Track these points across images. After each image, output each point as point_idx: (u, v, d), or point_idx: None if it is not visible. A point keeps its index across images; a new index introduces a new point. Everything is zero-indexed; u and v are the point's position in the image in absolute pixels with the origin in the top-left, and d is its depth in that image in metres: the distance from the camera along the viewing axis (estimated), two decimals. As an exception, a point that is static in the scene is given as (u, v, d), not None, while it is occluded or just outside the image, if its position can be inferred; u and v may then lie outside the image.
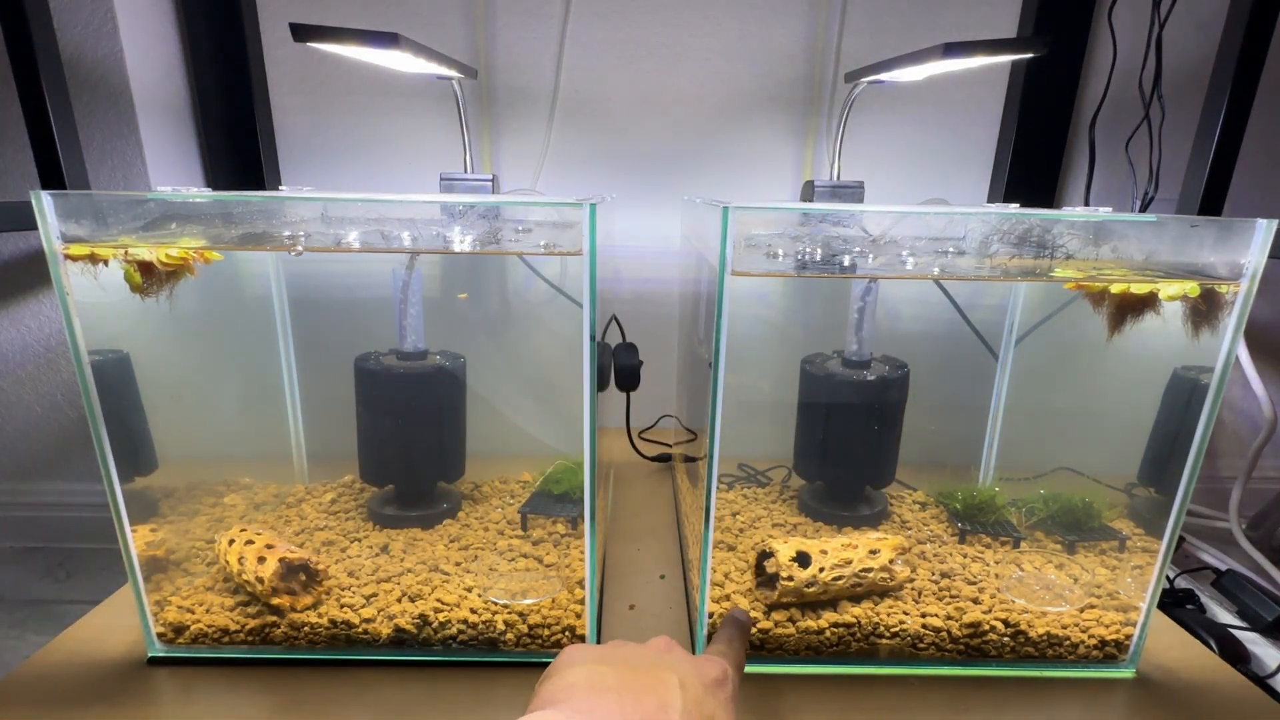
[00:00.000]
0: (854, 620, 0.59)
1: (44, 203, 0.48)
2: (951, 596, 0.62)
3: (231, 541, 0.62)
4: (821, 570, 0.59)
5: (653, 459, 1.02)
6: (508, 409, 0.78)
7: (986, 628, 0.59)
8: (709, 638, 0.58)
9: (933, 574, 0.65)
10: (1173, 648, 0.63)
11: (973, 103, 1.03)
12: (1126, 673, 0.59)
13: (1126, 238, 0.53)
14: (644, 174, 1.06)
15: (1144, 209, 0.99)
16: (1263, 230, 0.48)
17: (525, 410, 0.78)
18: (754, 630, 0.58)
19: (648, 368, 0.70)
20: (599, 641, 0.60)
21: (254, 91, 0.98)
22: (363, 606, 0.60)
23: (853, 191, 0.81)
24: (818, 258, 0.54)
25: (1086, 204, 1.04)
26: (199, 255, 0.55)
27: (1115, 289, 0.56)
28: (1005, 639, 0.59)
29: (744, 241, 0.49)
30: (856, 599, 0.61)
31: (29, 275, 0.99)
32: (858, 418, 0.72)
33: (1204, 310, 0.53)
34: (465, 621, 0.58)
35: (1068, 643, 0.59)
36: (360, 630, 0.58)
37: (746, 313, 0.51)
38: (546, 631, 0.59)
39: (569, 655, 0.38)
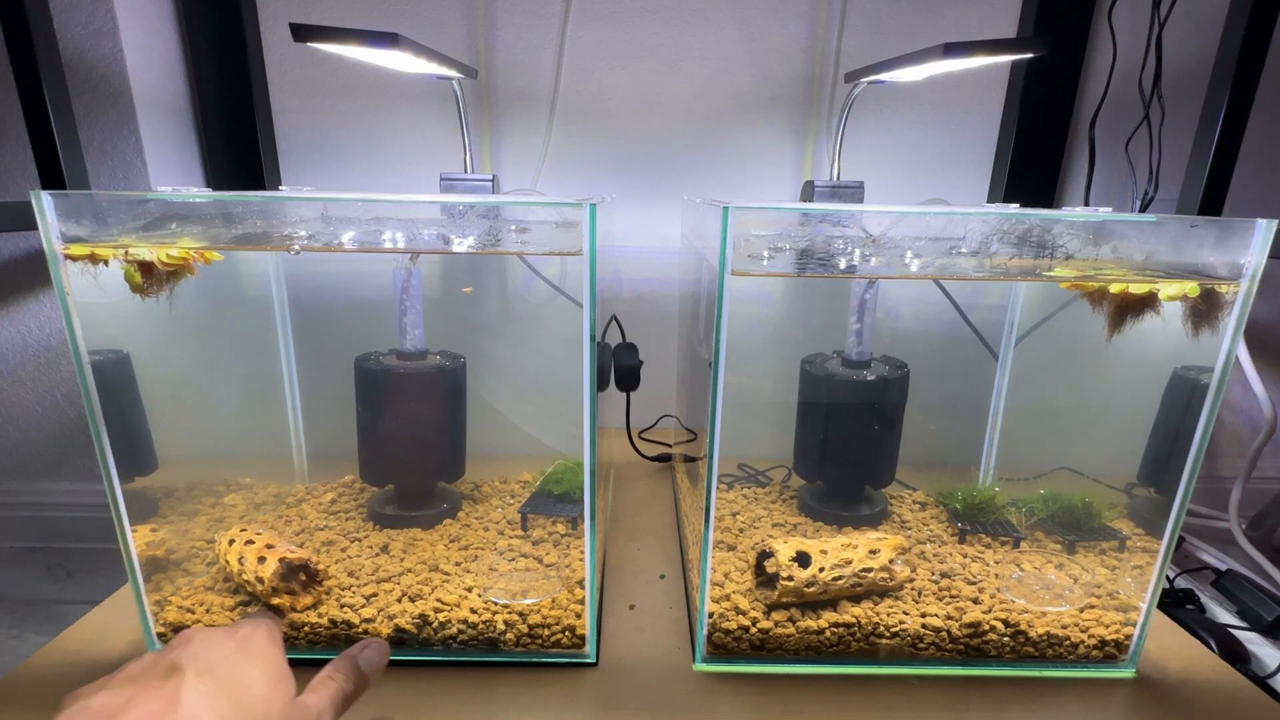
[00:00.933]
0: (854, 620, 0.59)
1: (44, 203, 0.48)
2: (951, 596, 0.62)
3: (231, 541, 0.62)
4: (821, 570, 0.59)
5: (653, 459, 1.02)
6: (508, 409, 0.78)
7: (986, 628, 0.59)
8: (709, 638, 0.58)
9: (933, 574, 0.65)
10: (1173, 648, 0.63)
11: (972, 103, 1.03)
12: (1126, 673, 0.59)
13: (1126, 238, 0.53)
14: (644, 174, 1.06)
15: (1144, 209, 0.99)
16: (1263, 230, 0.48)
17: (525, 410, 0.78)
18: (755, 630, 0.58)
19: (648, 368, 0.70)
20: (598, 641, 0.60)
21: (254, 91, 0.98)
22: (363, 606, 0.60)
23: (853, 191, 0.81)
24: (817, 258, 0.54)
25: (1086, 204, 1.04)
26: (199, 255, 0.55)
27: (1115, 289, 0.56)
28: (1005, 639, 0.59)
29: (744, 243, 0.49)
30: (856, 599, 0.61)
31: (29, 275, 0.99)
32: (858, 418, 0.72)
33: (1204, 310, 0.53)
34: (465, 621, 0.58)
35: (1067, 643, 0.59)
36: (360, 630, 0.58)
37: (746, 313, 0.51)
38: (546, 631, 0.59)
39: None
